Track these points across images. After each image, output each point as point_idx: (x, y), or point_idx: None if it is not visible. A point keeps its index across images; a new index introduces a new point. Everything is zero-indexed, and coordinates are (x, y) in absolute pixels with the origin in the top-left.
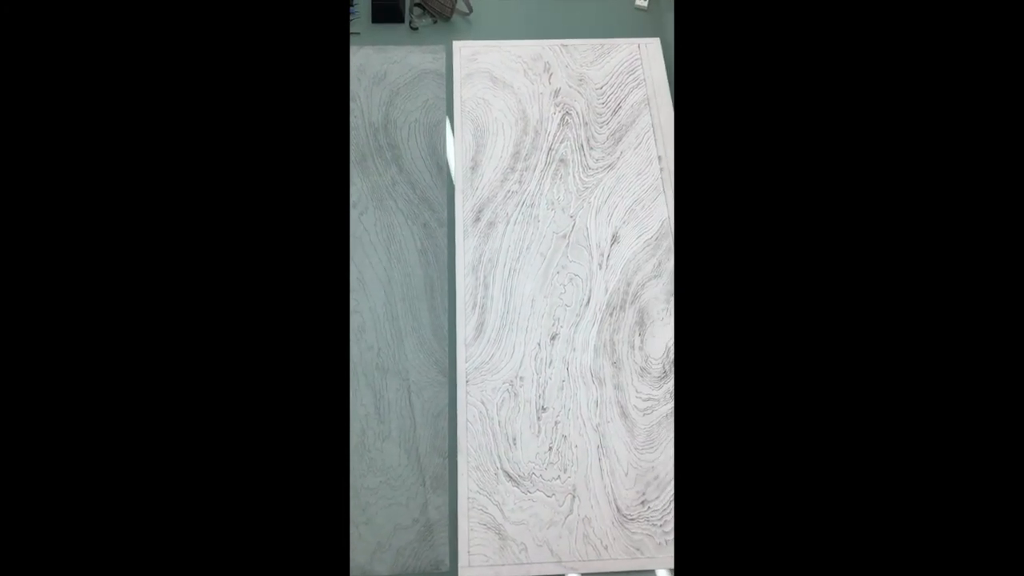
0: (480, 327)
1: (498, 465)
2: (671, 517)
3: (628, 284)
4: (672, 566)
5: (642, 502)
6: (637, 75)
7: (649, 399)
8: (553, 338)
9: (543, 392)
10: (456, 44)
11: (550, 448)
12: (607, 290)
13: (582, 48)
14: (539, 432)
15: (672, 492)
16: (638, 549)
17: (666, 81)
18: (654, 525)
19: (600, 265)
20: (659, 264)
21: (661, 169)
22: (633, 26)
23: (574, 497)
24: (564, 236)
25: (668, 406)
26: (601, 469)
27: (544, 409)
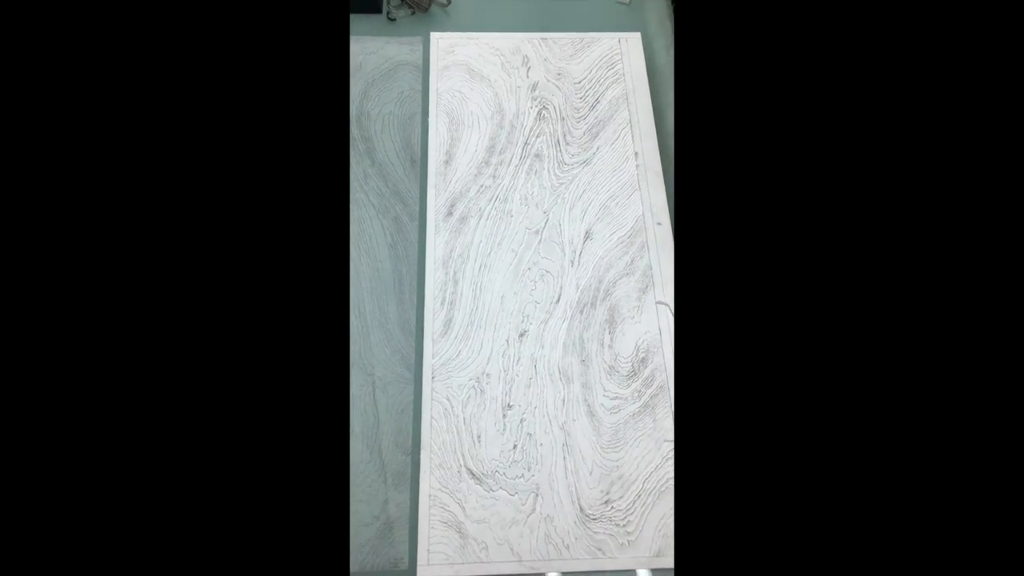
0: (448, 323)
1: (461, 462)
2: (634, 517)
3: (600, 282)
4: (635, 567)
5: (605, 502)
6: (617, 70)
7: (617, 398)
8: (522, 335)
9: (510, 389)
10: (434, 36)
11: (515, 446)
12: (578, 287)
13: (561, 42)
14: (504, 430)
15: (635, 492)
16: (600, 549)
17: (645, 76)
18: (617, 525)
19: (572, 262)
20: (631, 262)
21: (637, 166)
22: (614, 20)
23: (537, 496)
24: (537, 232)
25: (635, 405)
26: (565, 468)
27: (510, 407)
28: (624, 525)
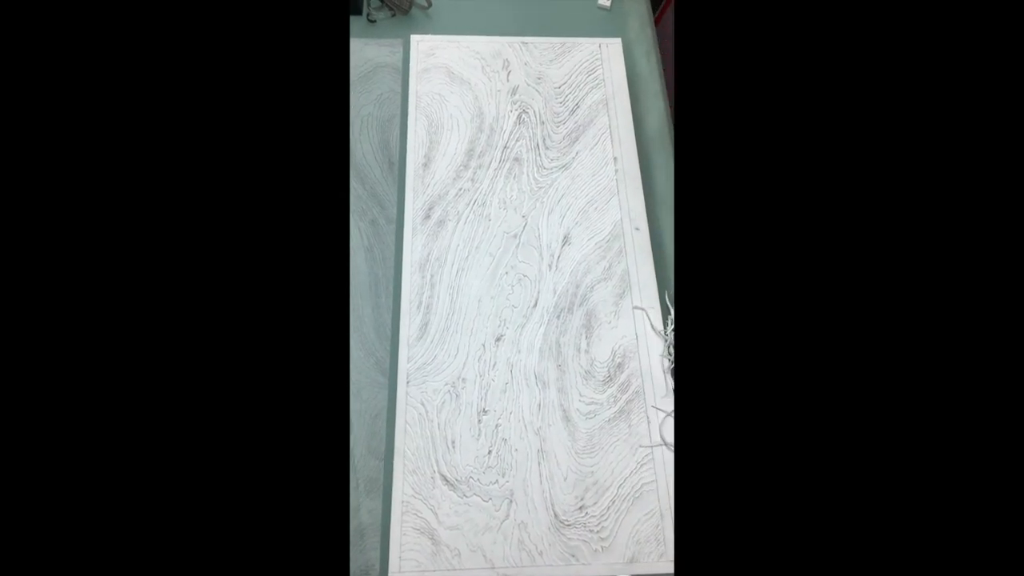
0: (424, 327)
1: (435, 468)
2: (608, 523)
3: (577, 286)
4: (609, 574)
5: (580, 507)
6: (597, 75)
7: (592, 403)
8: (498, 339)
9: (485, 394)
10: (414, 39)
11: (489, 451)
12: (555, 292)
13: (542, 46)
14: (479, 435)
15: (610, 497)
16: (573, 555)
17: (625, 82)
18: (591, 531)
19: (550, 266)
20: (609, 267)
21: (616, 171)
22: (595, 25)
23: (511, 502)
24: (515, 236)
25: (611, 410)
26: (540, 473)
27: (485, 412)
28: (598, 531)
